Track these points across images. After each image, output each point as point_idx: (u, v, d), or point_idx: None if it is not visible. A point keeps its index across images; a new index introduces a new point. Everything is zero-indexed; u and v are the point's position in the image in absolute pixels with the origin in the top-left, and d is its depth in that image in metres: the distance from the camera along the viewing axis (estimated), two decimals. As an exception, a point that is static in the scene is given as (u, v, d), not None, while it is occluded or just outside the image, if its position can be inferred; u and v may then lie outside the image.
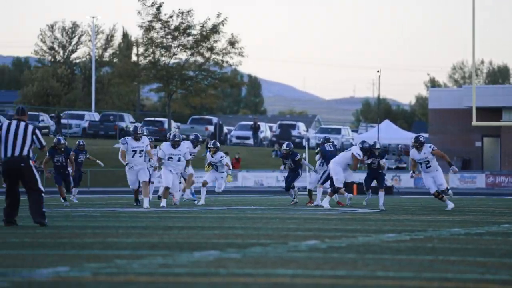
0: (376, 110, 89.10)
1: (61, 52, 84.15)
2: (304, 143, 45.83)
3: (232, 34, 62.98)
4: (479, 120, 37.71)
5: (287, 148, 24.08)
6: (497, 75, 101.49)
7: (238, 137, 67.49)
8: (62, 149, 23.66)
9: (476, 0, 33.35)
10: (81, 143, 27.54)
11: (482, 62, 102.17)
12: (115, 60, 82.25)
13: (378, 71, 53.65)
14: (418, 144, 21.18)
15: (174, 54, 63.39)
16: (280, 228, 13.45)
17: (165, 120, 65.37)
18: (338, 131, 69.32)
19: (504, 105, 52.23)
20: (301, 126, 69.46)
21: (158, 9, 62.41)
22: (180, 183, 22.70)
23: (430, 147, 21.32)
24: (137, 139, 21.25)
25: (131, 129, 21.88)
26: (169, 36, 62.73)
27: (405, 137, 62.28)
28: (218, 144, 23.54)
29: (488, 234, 12.69)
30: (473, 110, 34.48)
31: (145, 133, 22.19)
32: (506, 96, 52.74)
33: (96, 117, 66.33)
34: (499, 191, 41.77)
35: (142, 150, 21.21)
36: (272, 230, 13.10)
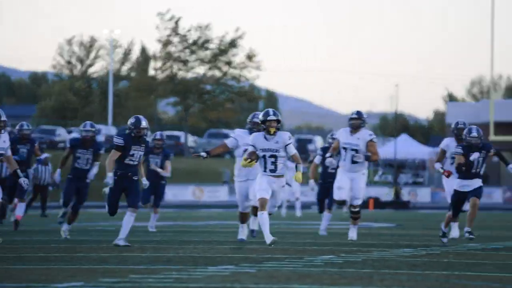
0: (393, 125, 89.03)
1: (79, 66, 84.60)
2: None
3: (250, 48, 63.16)
4: (497, 135, 37.58)
5: (160, 138, 17.06)
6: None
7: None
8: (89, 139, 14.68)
9: (495, 15, 33.40)
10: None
11: (501, 76, 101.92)
12: (132, 74, 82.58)
13: (396, 85, 53.70)
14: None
15: (192, 68, 63.58)
16: (296, 243, 13.41)
17: (181, 134, 65.50)
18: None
19: (522, 119, 52.00)
20: (318, 140, 69.37)
21: (176, 23, 62.65)
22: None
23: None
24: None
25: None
26: (187, 50, 62.95)
27: (423, 152, 62.08)
28: (280, 116, 12.52)
29: (504, 249, 12.61)
30: (491, 125, 34.36)
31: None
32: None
33: (113, 131, 66.50)
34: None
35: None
36: (287, 244, 13.07)
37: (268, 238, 12.10)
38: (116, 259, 10.23)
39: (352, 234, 14.22)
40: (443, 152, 15.18)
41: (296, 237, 15.12)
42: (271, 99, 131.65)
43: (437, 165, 15.20)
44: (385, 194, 41.51)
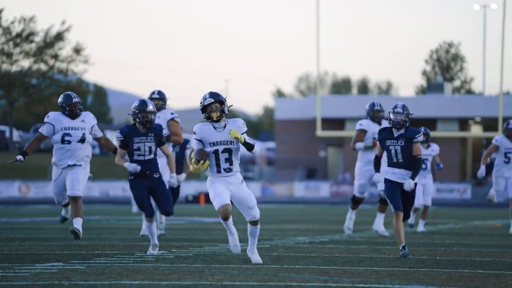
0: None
1: None
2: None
3: (77, 41, 62.28)
4: (324, 130, 38.58)
5: None
6: (341, 86, 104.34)
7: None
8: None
9: (320, 12, 34.32)
10: None
11: (327, 73, 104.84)
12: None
13: (226, 81, 54.27)
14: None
15: (16, 61, 61.97)
16: (126, 239, 13.28)
17: (6, 128, 63.69)
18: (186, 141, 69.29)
19: (347, 115, 53.69)
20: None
21: (-1, 14, 60.89)
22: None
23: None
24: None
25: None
26: (11, 43, 61.30)
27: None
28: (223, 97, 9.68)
29: (331, 242, 12.94)
30: (318, 120, 35.23)
31: None
32: (349, 106, 54.24)
33: None
34: (343, 200, 42.87)
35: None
36: (117, 240, 12.92)
37: (235, 247, 9.55)
38: None
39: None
40: (363, 132, 14.23)
41: (127, 233, 14.97)
42: (100, 93, 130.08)
43: (359, 145, 14.22)
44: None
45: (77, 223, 11.14)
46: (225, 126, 9.44)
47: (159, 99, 13.29)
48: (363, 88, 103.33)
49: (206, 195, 38.95)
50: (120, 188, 47.65)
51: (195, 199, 38.81)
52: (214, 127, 9.47)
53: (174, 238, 13.46)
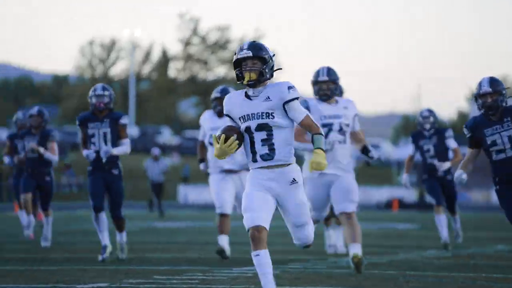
0: (415, 126, 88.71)
1: (100, 67, 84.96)
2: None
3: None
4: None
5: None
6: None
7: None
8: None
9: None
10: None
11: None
12: (153, 74, 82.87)
13: (418, 85, 53.69)
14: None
15: (212, 68, 63.80)
16: (320, 244, 13.33)
17: (204, 135, 65.73)
18: (375, 147, 69.15)
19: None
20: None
21: (196, 24, 62.89)
22: None
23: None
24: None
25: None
26: (208, 51, 63.17)
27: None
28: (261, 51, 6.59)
29: (531, 250, 12.48)
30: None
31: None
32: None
33: (134, 132, 66.66)
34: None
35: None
36: (312, 246, 12.97)
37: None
38: (139, 260, 10.21)
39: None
40: None
41: (319, 237, 15.04)
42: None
43: None
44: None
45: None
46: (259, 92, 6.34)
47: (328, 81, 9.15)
48: None
49: (400, 201, 38.54)
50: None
51: (388, 205, 38.50)
52: (248, 96, 6.35)
53: (367, 244, 13.39)
